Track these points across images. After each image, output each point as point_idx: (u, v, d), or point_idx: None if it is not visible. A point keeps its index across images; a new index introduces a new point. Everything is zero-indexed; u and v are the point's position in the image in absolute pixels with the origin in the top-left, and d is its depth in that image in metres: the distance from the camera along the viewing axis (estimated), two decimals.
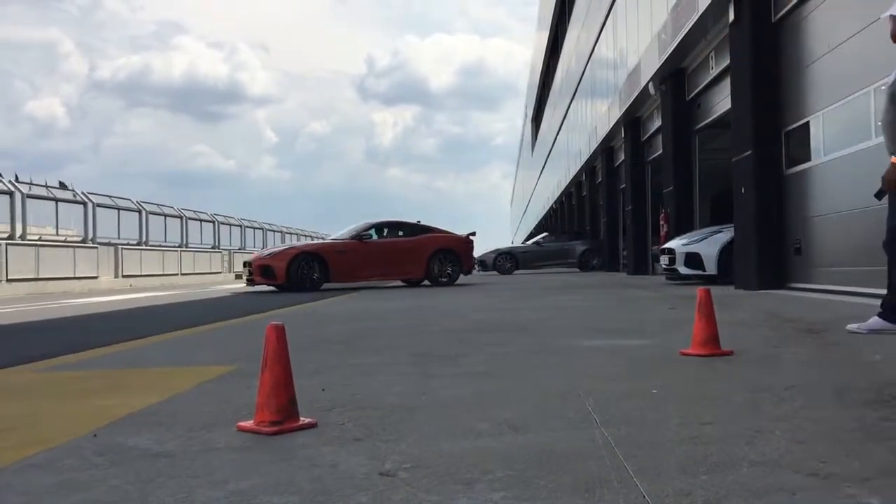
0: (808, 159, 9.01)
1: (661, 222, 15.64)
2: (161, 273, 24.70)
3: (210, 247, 30.11)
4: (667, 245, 12.65)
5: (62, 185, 21.46)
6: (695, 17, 11.51)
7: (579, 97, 29.05)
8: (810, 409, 2.51)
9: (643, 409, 2.58)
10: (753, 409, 2.54)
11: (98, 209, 22.17)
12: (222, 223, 31.82)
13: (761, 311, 6.65)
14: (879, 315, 4.52)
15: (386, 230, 15.81)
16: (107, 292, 18.12)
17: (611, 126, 20.77)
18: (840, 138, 8.30)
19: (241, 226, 33.94)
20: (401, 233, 15.94)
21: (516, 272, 24.50)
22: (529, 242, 26.63)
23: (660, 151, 16.56)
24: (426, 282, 15.62)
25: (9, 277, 17.22)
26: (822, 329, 4.97)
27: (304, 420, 2.39)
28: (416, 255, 15.37)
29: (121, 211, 23.85)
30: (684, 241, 12.36)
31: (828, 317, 5.73)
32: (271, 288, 14.74)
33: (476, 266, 25.84)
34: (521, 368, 3.59)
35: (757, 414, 2.46)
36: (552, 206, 43.51)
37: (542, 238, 26.54)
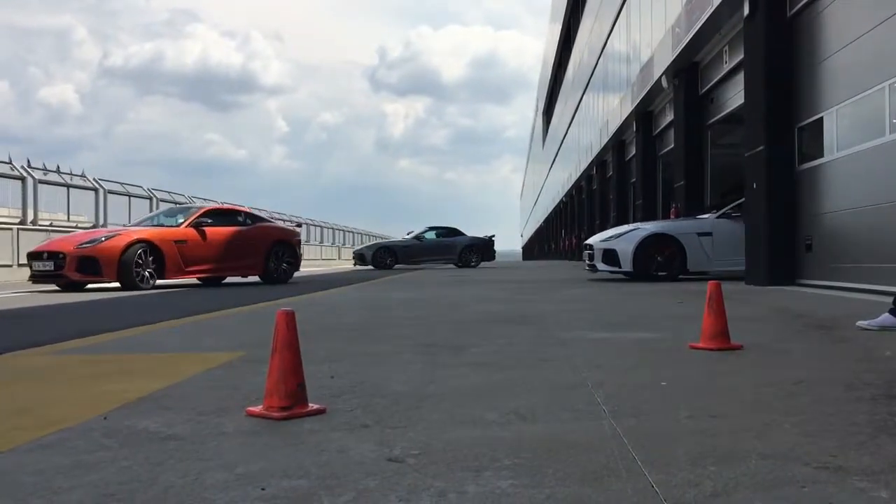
0: (821, 155, 8.96)
1: (672, 217, 15.60)
2: None
3: None
4: (588, 241, 12.70)
5: (73, 172, 21.50)
6: (709, 11, 11.45)
7: (591, 90, 28.96)
8: (820, 403, 2.50)
9: (652, 400, 2.58)
10: (763, 403, 2.53)
11: (109, 196, 22.25)
12: None
13: (771, 306, 6.63)
14: (890, 312, 4.49)
15: (215, 217, 13.26)
16: None
17: (622, 120, 20.71)
18: (853, 135, 8.26)
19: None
20: (239, 219, 13.81)
21: (396, 266, 24.23)
22: (409, 237, 25.89)
23: (671, 146, 16.51)
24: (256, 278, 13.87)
25: (20, 262, 17.29)
26: (833, 325, 4.96)
27: (312, 406, 2.40)
28: (255, 248, 13.36)
29: (132, 198, 23.91)
30: (603, 238, 12.44)
31: (838, 313, 5.71)
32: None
33: (356, 259, 25.77)
34: (530, 359, 3.59)
35: (766, 407, 2.45)
36: (562, 199, 43.45)
37: (424, 233, 25.96)
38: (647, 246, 11.46)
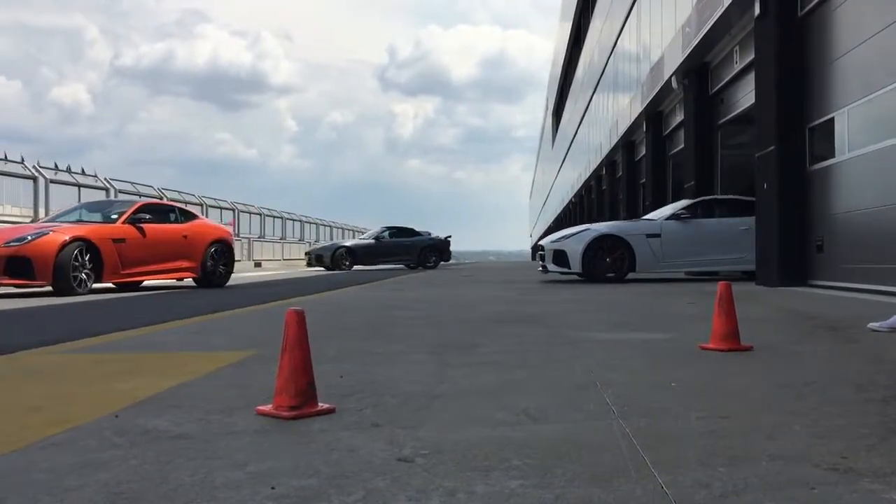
0: (832, 156, 8.92)
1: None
2: None
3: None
4: (540, 241, 12.67)
5: (84, 172, 21.60)
6: (720, 11, 11.41)
7: (601, 90, 28.91)
8: (830, 404, 2.49)
9: (662, 401, 2.57)
10: (773, 404, 2.52)
11: (120, 195, 22.35)
12: (242, 211, 31.98)
13: (782, 307, 6.61)
14: None
15: (152, 214, 11.82)
16: None
17: (632, 120, 20.66)
18: (865, 135, 8.21)
19: (260, 214, 34.10)
20: (172, 216, 12.38)
21: (354, 268, 23.85)
22: (366, 237, 25.58)
23: (681, 146, 16.46)
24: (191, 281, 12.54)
25: None
26: (843, 326, 4.93)
27: (322, 405, 2.40)
28: (193, 248, 12.04)
29: (142, 197, 24.02)
30: (554, 239, 12.39)
31: (849, 314, 5.68)
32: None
33: (312, 260, 24.74)
34: (539, 359, 3.59)
35: (777, 408, 2.45)
36: (571, 199, 43.39)
37: (382, 233, 25.57)
38: (596, 247, 11.45)
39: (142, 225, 11.20)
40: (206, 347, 4.22)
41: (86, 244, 10.18)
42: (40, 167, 19.26)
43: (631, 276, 11.90)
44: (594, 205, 33.45)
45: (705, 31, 12.37)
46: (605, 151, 26.89)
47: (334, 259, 23.85)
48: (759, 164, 10.25)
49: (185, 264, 11.88)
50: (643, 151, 20.95)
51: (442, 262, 25.82)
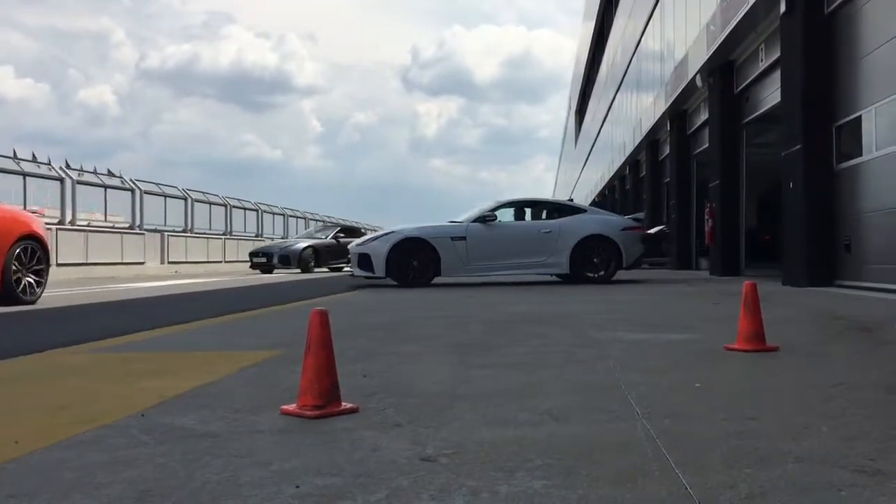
0: (860, 154, 8.81)
1: (707, 217, 15.45)
2: (205, 260, 25.08)
3: (254, 235, 30.48)
4: (349, 246, 12.21)
5: (110, 173, 21.84)
6: (745, 9, 11.31)
7: (624, 89, 28.76)
8: (859, 406, 2.46)
9: (687, 402, 2.56)
10: (800, 405, 2.50)
11: (145, 196, 22.58)
12: (265, 212, 32.19)
13: (809, 307, 6.54)
14: None
15: None
16: (153, 278, 18.45)
17: (656, 119, 20.53)
18: (893, 133, 8.11)
19: (283, 215, 34.31)
20: None
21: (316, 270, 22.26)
22: (327, 237, 23.96)
23: (706, 145, 16.34)
24: None
25: (58, 262, 17.61)
26: (872, 327, 4.87)
27: (346, 405, 2.42)
28: None
29: (167, 198, 24.26)
30: (360, 241, 12.06)
31: (878, 315, 5.61)
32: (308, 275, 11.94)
33: (253, 263, 22.36)
34: (562, 360, 3.58)
35: (804, 410, 2.42)
36: (595, 199, 43.21)
37: (339, 232, 24.20)
38: (401, 250, 11.02)
39: None
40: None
41: None
42: (67, 168, 19.50)
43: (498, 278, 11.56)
44: (618, 204, 33.28)
45: (730, 28, 12.27)
46: (629, 151, 26.74)
47: (301, 259, 21.63)
48: (786, 162, 10.15)
49: None
50: (667, 150, 20.82)
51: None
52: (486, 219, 11.44)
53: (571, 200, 12.49)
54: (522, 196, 12.67)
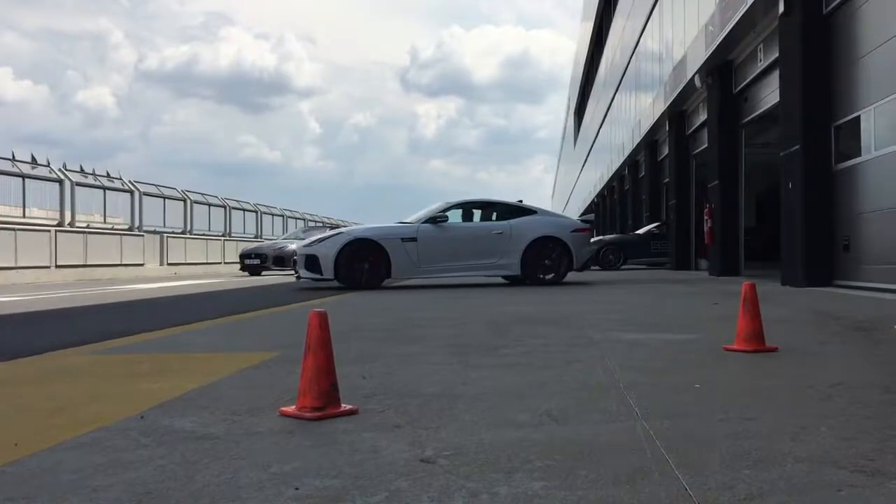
0: (859, 154, 8.82)
1: (706, 217, 15.45)
2: (205, 261, 25.08)
3: (253, 236, 30.49)
4: (293, 247, 11.82)
5: (108, 176, 21.82)
6: (743, 9, 11.31)
7: (623, 90, 28.77)
8: (857, 406, 2.46)
9: (686, 403, 2.56)
10: (798, 406, 2.50)
11: (144, 198, 22.58)
12: (265, 213, 32.20)
13: (808, 307, 6.54)
14: None
15: None
16: (152, 279, 18.45)
17: (655, 119, 20.53)
18: (892, 133, 8.11)
19: (283, 216, 34.32)
20: None
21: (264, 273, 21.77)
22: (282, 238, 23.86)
23: (705, 145, 16.34)
24: None
25: (58, 263, 17.62)
26: (871, 327, 4.88)
27: (345, 406, 2.42)
28: None
29: (166, 199, 24.26)
30: (306, 243, 11.70)
31: (876, 315, 5.62)
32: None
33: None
34: (562, 361, 3.58)
35: (802, 410, 2.42)
36: (594, 200, 43.21)
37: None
38: (350, 252, 10.68)
39: None
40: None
41: None
42: (66, 170, 19.49)
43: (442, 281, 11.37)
44: (616, 205, 33.29)
45: (729, 28, 12.27)
46: (628, 151, 26.74)
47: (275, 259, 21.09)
48: (784, 163, 10.16)
49: None
50: (666, 151, 20.82)
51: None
52: (436, 220, 11.23)
53: (521, 202, 12.27)
54: (474, 197, 12.36)
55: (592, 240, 23.45)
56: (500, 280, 12.09)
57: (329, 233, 11.94)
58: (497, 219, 11.81)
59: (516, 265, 11.27)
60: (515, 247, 11.26)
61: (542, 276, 11.36)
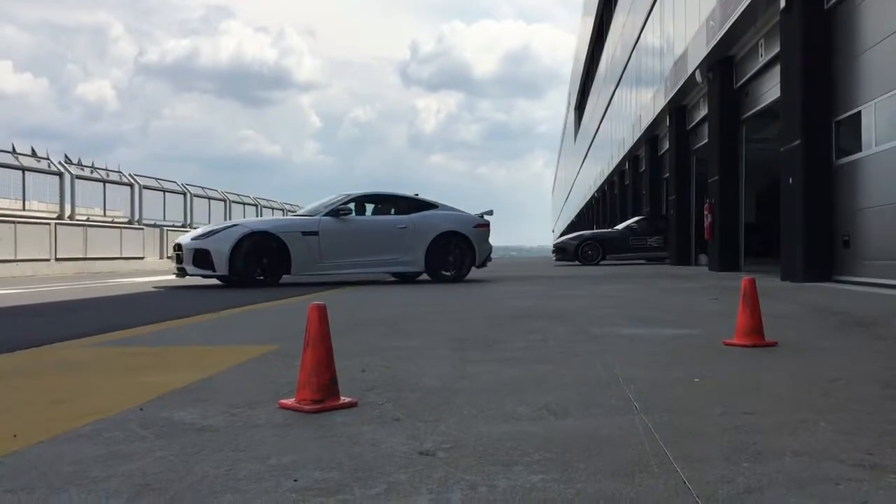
0: (859, 150, 8.81)
1: (706, 213, 15.45)
2: None
3: None
4: (178, 240, 10.84)
5: (108, 171, 21.80)
6: (745, 4, 11.29)
7: (624, 85, 28.73)
8: (856, 401, 2.46)
9: (685, 397, 2.56)
10: (798, 400, 2.50)
11: (144, 191, 22.55)
12: (265, 206, 32.17)
13: (807, 303, 6.55)
14: None
15: None
16: (152, 272, 18.44)
17: (655, 114, 20.52)
18: (893, 129, 8.11)
19: (283, 209, 34.29)
20: None
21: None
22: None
23: (705, 140, 16.33)
24: None
25: (58, 256, 17.61)
26: (870, 322, 4.88)
27: (344, 399, 2.42)
28: None
29: (166, 193, 24.22)
30: (195, 236, 10.64)
31: (876, 310, 5.62)
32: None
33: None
34: (561, 355, 3.58)
35: (801, 405, 2.42)
36: (594, 194, 43.19)
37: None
38: (246, 246, 9.94)
39: None
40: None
41: None
42: (66, 163, 19.47)
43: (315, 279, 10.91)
44: (617, 200, 33.28)
45: (730, 23, 12.25)
46: (628, 146, 26.73)
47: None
48: (785, 158, 10.15)
49: None
50: (667, 146, 20.80)
51: None
52: (339, 212, 10.65)
53: (417, 195, 11.75)
54: (373, 190, 11.84)
55: (572, 235, 23.50)
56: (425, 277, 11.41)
57: (221, 225, 11.11)
58: (397, 213, 11.37)
59: (420, 261, 10.91)
60: (419, 242, 10.89)
61: (445, 273, 11.01)
